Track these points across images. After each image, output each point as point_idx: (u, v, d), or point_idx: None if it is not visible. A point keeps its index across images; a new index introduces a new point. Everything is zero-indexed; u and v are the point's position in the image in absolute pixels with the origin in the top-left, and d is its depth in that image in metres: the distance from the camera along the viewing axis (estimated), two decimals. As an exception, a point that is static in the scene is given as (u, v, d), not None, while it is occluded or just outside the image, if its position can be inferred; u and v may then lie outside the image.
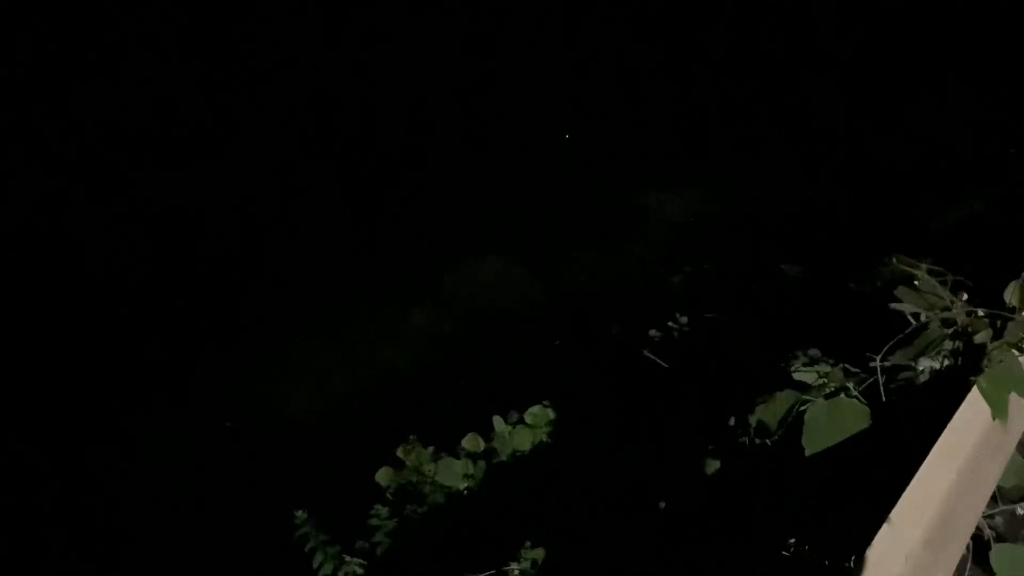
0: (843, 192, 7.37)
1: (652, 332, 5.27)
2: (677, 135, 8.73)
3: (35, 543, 5.45)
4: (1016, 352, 2.35)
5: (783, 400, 2.46)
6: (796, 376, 2.58)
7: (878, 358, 2.39)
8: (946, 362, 2.45)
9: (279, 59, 9.90)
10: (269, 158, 8.78)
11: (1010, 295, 2.47)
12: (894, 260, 2.66)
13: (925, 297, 2.55)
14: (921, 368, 2.45)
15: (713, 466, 2.94)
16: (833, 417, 2.33)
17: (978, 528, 2.34)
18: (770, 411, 2.46)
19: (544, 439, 4.74)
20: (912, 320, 2.51)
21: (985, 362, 2.32)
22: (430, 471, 4.62)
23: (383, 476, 4.68)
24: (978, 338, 2.40)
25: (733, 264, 6.88)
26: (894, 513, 1.87)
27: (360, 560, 4.25)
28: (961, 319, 2.48)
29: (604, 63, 9.87)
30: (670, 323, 5.30)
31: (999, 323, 2.45)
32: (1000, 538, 2.41)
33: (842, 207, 7.16)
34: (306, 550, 4.34)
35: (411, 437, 4.80)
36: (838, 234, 6.76)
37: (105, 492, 5.79)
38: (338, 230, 7.92)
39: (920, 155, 7.39)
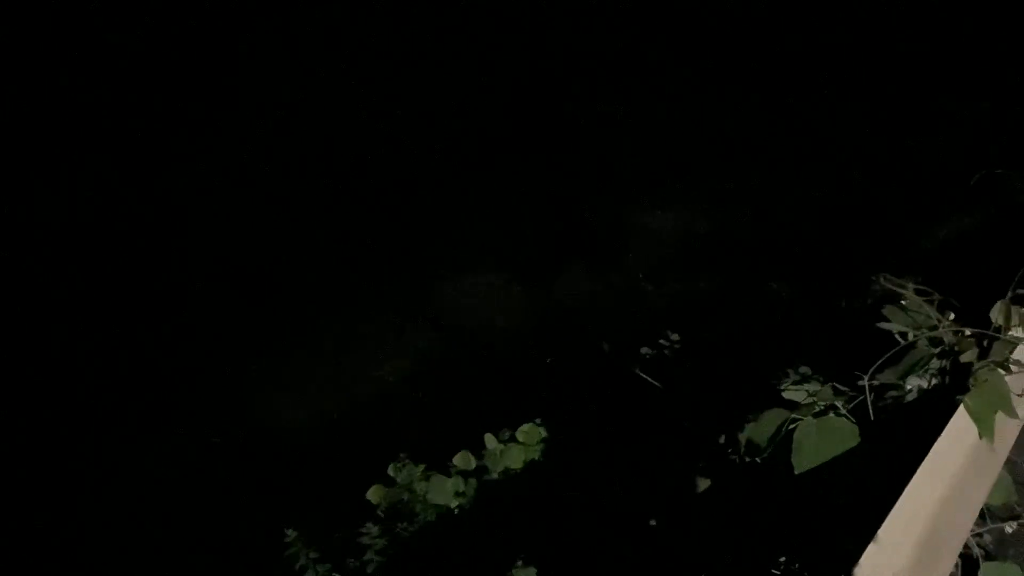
0: (833, 211, 7.42)
1: (643, 350, 5.28)
2: (668, 152, 8.79)
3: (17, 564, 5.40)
4: (1002, 371, 2.37)
5: (772, 418, 2.47)
6: (785, 394, 2.59)
7: (866, 377, 2.40)
8: (933, 381, 2.46)
9: (272, 81, 9.94)
10: (264, 174, 8.80)
11: (996, 314, 2.49)
12: (881, 280, 2.68)
13: (912, 316, 2.57)
14: (909, 387, 2.47)
15: (704, 484, 2.95)
16: (822, 435, 2.34)
17: (966, 546, 2.34)
18: (759, 429, 2.47)
19: (536, 457, 4.74)
20: (900, 339, 2.53)
21: (971, 381, 2.33)
22: (421, 489, 4.61)
23: (374, 494, 4.67)
24: (965, 357, 2.42)
25: (724, 282, 6.91)
26: (882, 531, 1.88)
27: (350, 579, 4.23)
28: (948, 338, 2.50)
29: (594, 79, 9.94)
30: (661, 340, 5.32)
31: (985, 342, 2.47)
32: (989, 556, 2.42)
33: (832, 226, 7.21)
34: (296, 568, 4.33)
35: (402, 455, 4.80)
36: (828, 253, 6.81)
37: (92, 509, 5.74)
38: (329, 247, 7.92)
39: (908, 175, 7.45)
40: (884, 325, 2.56)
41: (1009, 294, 2.53)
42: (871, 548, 1.84)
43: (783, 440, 2.42)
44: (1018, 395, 2.38)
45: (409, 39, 10.45)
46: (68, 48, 9.76)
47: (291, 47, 10.24)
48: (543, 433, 4.80)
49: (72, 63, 9.66)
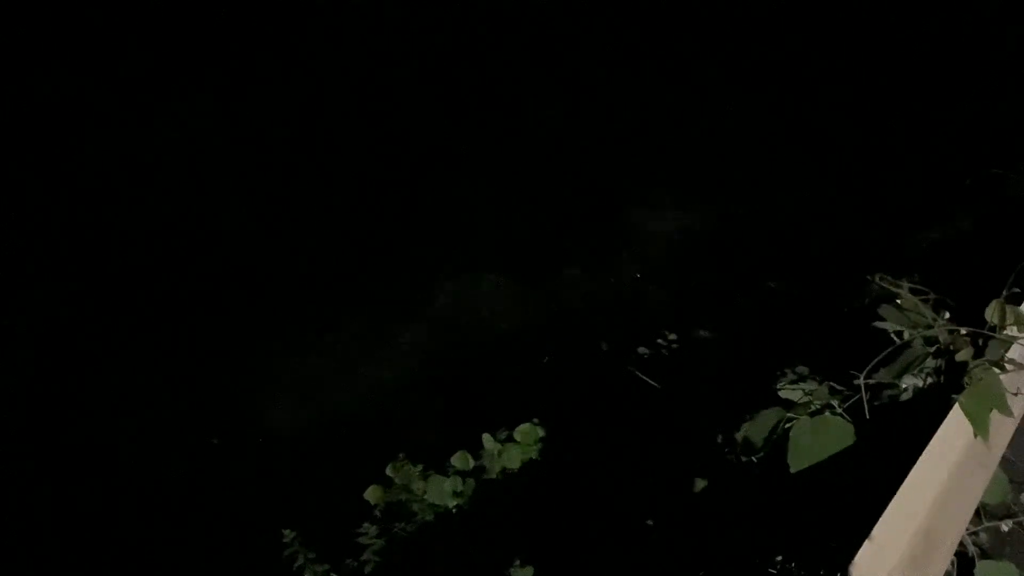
0: (830, 211, 7.43)
1: (641, 349, 5.29)
2: (666, 152, 8.80)
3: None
4: (997, 370, 2.37)
5: (768, 417, 2.48)
6: (782, 393, 2.59)
7: (862, 376, 2.41)
8: (929, 380, 2.47)
9: (268, 87, 9.94)
10: (262, 173, 8.79)
11: (991, 314, 2.50)
12: (877, 279, 2.69)
13: (908, 316, 2.57)
14: (904, 386, 2.47)
15: (700, 484, 2.95)
16: (818, 434, 2.34)
17: (962, 544, 2.35)
18: (756, 429, 2.48)
19: (534, 456, 4.74)
20: (895, 338, 2.54)
21: (967, 380, 2.34)
22: (419, 489, 4.61)
23: (372, 494, 4.67)
24: (960, 356, 2.42)
25: (721, 281, 6.92)
26: (877, 529, 1.88)
27: (348, 579, 4.23)
28: (943, 337, 2.50)
29: (593, 81, 9.95)
30: (659, 340, 5.33)
31: (981, 341, 2.48)
32: (984, 555, 2.42)
33: (829, 225, 7.22)
34: (294, 568, 4.33)
35: (400, 455, 4.80)
36: (825, 252, 6.82)
37: (90, 508, 5.74)
38: (327, 247, 7.92)
39: (904, 174, 7.46)
40: (880, 324, 2.56)
41: (1004, 293, 2.53)
42: (866, 546, 1.85)
43: (779, 439, 2.42)
44: (1013, 394, 2.38)
45: (413, 38, 10.45)
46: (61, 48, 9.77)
47: (291, 40, 10.24)
48: (541, 433, 4.80)
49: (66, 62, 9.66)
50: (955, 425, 2.25)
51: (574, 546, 3.94)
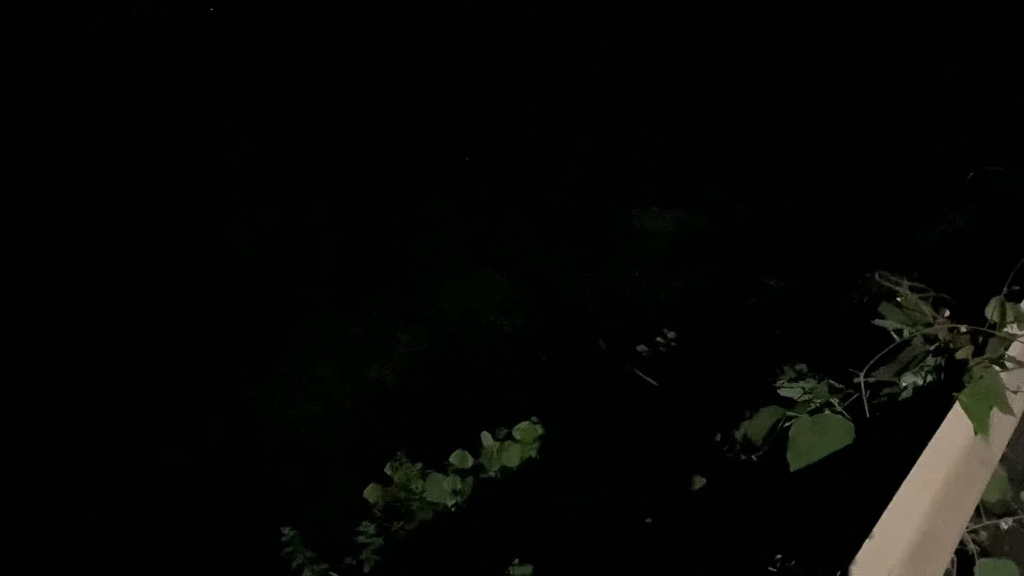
0: (829, 208, 7.43)
1: (640, 347, 5.29)
2: (663, 149, 8.78)
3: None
4: (997, 368, 2.37)
5: (768, 416, 2.47)
6: (781, 392, 2.59)
7: (862, 374, 2.40)
8: (929, 378, 2.47)
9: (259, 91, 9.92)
10: (258, 171, 8.78)
11: (991, 311, 2.50)
12: (877, 277, 2.68)
13: (908, 313, 2.57)
14: (904, 384, 2.47)
15: (699, 482, 2.95)
16: (817, 433, 2.34)
17: (962, 542, 2.35)
18: (755, 427, 2.47)
19: (532, 455, 4.74)
20: (895, 336, 2.53)
21: (966, 378, 2.34)
22: (418, 488, 4.61)
23: (371, 493, 4.67)
24: (960, 354, 2.42)
25: (720, 279, 6.91)
26: (877, 528, 1.88)
27: (347, 578, 4.23)
28: (943, 335, 2.50)
29: (589, 78, 9.93)
30: (658, 338, 5.33)
31: (980, 339, 2.47)
32: (984, 553, 2.42)
33: (828, 223, 7.22)
34: (293, 567, 4.32)
35: (399, 453, 4.79)
36: (825, 249, 6.81)
37: (86, 507, 5.74)
38: (324, 246, 7.91)
39: (904, 171, 7.46)
40: (879, 322, 2.56)
41: (1004, 291, 2.53)
42: (867, 545, 1.84)
43: (779, 437, 2.42)
44: (1013, 392, 2.38)
45: (410, 39, 10.44)
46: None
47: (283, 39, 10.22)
48: (540, 431, 4.80)
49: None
50: (955, 423, 2.25)
51: (573, 544, 3.93)
